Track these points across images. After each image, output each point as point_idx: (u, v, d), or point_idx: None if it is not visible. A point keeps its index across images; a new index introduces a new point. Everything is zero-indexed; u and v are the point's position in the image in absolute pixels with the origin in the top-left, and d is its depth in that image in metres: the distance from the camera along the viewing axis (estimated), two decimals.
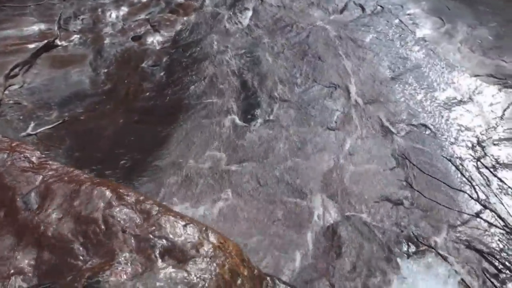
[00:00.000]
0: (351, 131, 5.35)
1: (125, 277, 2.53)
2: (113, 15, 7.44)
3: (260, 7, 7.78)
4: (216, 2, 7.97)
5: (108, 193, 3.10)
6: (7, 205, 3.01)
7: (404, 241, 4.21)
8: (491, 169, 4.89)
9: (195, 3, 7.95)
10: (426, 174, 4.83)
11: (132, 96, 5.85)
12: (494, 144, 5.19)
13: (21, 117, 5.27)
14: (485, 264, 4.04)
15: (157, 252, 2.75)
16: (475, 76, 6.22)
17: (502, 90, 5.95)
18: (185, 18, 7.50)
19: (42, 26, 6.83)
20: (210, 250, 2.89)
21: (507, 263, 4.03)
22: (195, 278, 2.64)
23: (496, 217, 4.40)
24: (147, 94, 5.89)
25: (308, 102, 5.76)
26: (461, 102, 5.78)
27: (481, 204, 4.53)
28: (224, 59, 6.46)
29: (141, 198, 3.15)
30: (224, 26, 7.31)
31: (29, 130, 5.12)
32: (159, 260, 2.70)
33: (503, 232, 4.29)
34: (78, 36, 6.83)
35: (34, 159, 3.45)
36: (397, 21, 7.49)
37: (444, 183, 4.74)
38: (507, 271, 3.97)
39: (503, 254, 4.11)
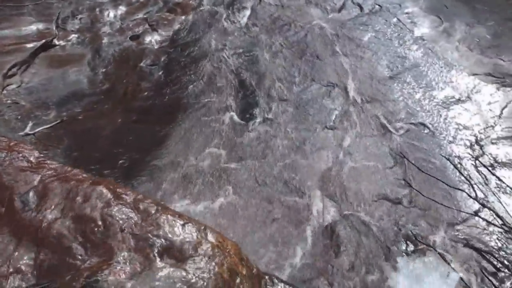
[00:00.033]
0: (349, 130, 5.35)
1: (123, 276, 2.53)
2: (111, 14, 7.43)
3: (258, 6, 7.78)
4: (214, 1, 7.96)
5: (106, 192, 3.10)
6: (5, 204, 3.01)
7: (403, 239, 4.21)
8: (489, 168, 4.90)
9: (193, 2, 7.93)
10: (425, 173, 4.84)
11: (131, 96, 5.84)
12: (492, 143, 5.19)
13: (19, 117, 5.26)
14: (484, 263, 4.05)
15: (156, 251, 2.76)
16: (473, 75, 6.22)
17: (500, 89, 5.96)
18: (183, 17, 7.49)
19: (40, 26, 6.81)
20: (209, 249, 2.89)
21: (505, 261, 4.04)
22: (193, 277, 2.64)
23: (494, 215, 4.41)
24: (146, 93, 5.88)
25: (306, 101, 5.75)
26: (459, 101, 5.79)
27: (480, 203, 4.54)
28: (222, 58, 6.46)
29: (140, 197, 3.15)
30: (222, 25, 7.30)
31: (27, 130, 5.10)
32: (158, 259, 2.71)
33: (501, 230, 4.29)
34: (76, 35, 6.82)
35: (32, 158, 3.45)
36: (395, 20, 7.49)
37: (442, 181, 4.75)
38: (506, 270, 3.97)
39: (502, 253, 4.11)
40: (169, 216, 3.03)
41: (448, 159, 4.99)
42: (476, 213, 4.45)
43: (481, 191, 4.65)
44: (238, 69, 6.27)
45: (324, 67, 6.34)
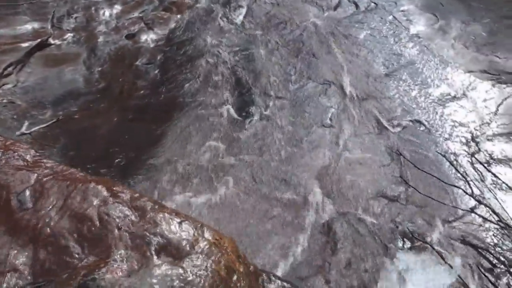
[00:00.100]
0: (345, 128, 5.36)
1: (120, 274, 2.53)
2: (107, 13, 7.42)
3: (254, 4, 7.77)
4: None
5: (103, 190, 3.10)
6: (2, 203, 3.00)
7: (399, 237, 4.22)
8: (485, 165, 4.91)
9: (189, 0, 7.93)
10: (421, 170, 4.85)
11: (127, 95, 5.84)
12: (488, 140, 5.21)
13: (15, 116, 5.25)
14: (480, 259, 4.05)
15: (153, 249, 2.75)
16: (469, 72, 6.24)
17: (495, 86, 5.98)
18: (178, 16, 7.48)
19: (35, 25, 6.80)
20: (206, 247, 2.89)
21: (501, 257, 4.05)
22: (190, 274, 2.64)
23: (491, 212, 4.42)
24: (142, 92, 5.88)
25: (302, 99, 5.76)
26: (455, 98, 5.81)
27: (476, 200, 4.55)
28: (218, 57, 6.46)
29: (136, 195, 3.15)
30: (218, 24, 7.29)
31: (23, 129, 5.09)
32: (155, 257, 2.70)
33: (498, 227, 4.31)
34: (72, 34, 6.81)
35: (28, 157, 3.44)
36: (391, 17, 7.50)
37: (438, 178, 4.76)
38: (502, 266, 3.98)
39: (498, 249, 4.13)
40: (166, 214, 3.02)
41: (444, 156, 5.00)
42: (472, 210, 4.46)
43: (477, 187, 4.66)
44: (234, 67, 6.27)
45: (320, 65, 6.35)
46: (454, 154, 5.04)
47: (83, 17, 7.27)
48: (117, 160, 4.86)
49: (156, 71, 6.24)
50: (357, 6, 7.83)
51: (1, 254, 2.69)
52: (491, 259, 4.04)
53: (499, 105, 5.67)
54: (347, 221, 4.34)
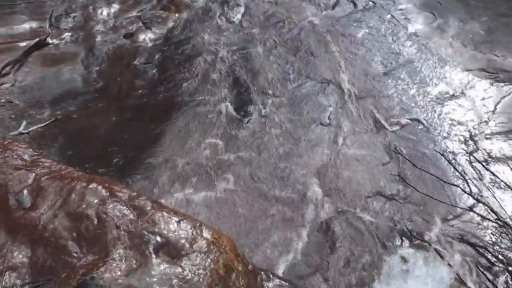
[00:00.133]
0: (344, 127, 5.36)
1: (119, 273, 2.52)
2: (105, 12, 7.41)
3: (252, 3, 7.77)
4: None
5: (101, 189, 3.10)
6: (0, 203, 3.00)
7: (398, 235, 4.22)
8: (484, 163, 4.91)
9: None
10: (419, 169, 4.85)
11: (125, 94, 5.84)
12: (487, 138, 5.21)
13: (12, 116, 5.25)
14: (479, 257, 4.06)
15: (151, 248, 2.75)
16: (467, 70, 6.24)
17: (493, 84, 5.97)
18: (177, 15, 7.47)
19: (33, 24, 6.80)
20: (204, 246, 2.89)
21: (500, 256, 4.05)
22: (189, 273, 2.64)
23: (489, 210, 4.42)
24: (140, 91, 5.87)
25: (301, 98, 5.76)
26: (453, 96, 5.81)
27: (474, 198, 4.55)
28: (217, 56, 6.46)
29: (134, 194, 3.15)
30: (216, 23, 7.29)
31: (21, 129, 5.09)
32: (154, 256, 2.70)
33: (496, 225, 4.31)
34: (70, 34, 6.80)
35: (26, 157, 3.44)
36: (389, 16, 7.50)
37: (437, 177, 4.76)
38: (500, 264, 3.99)
39: (496, 247, 4.13)
40: (164, 213, 3.02)
41: (442, 155, 5.00)
42: (470, 208, 4.47)
43: (476, 186, 4.66)
44: (232, 66, 6.27)
45: (319, 64, 6.35)
46: (453, 152, 5.04)
47: (81, 16, 7.26)
48: (115, 160, 4.86)
49: (154, 71, 6.24)
50: (355, 5, 7.83)
51: None
52: (490, 257, 4.04)
53: (497, 104, 5.67)
54: (345, 219, 4.34)
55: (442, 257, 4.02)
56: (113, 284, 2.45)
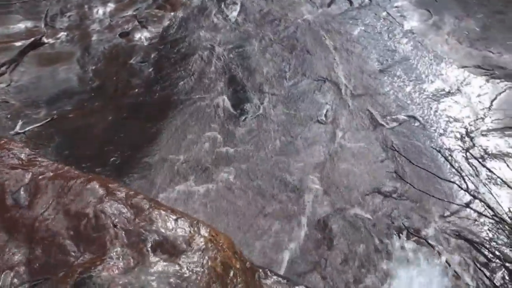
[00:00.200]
0: (340, 124, 5.37)
1: (117, 271, 2.52)
2: (100, 11, 7.39)
3: (248, 1, 7.76)
4: None
5: (98, 188, 3.09)
6: None
7: (395, 232, 4.24)
8: (480, 160, 4.92)
9: None
10: (416, 166, 4.86)
11: (121, 93, 5.83)
12: (483, 135, 5.22)
13: (8, 116, 5.24)
14: (475, 253, 4.07)
15: (149, 246, 2.75)
16: (463, 67, 6.25)
17: (489, 81, 5.99)
18: (172, 14, 7.46)
19: (29, 24, 6.78)
20: (202, 244, 2.89)
21: (496, 252, 4.07)
22: (187, 271, 2.64)
23: (486, 206, 4.44)
24: (136, 90, 5.86)
25: (297, 96, 5.76)
26: (449, 93, 5.82)
27: (471, 194, 4.57)
28: (213, 54, 6.45)
29: (132, 193, 3.14)
30: (212, 21, 7.28)
31: (17, 129, 5.08)
32: (151, 254, 2.70)
33: (493, 221, 4.32)
34: (65, 33, 6.78)
35: (23, 156, 3.43)
36: (384, 13, 7.50)
37: (433, 174, 4.78)
38: (497, 260, 4.00)
39: (493, 243, 4.15)
40: (161, 211, 3.02)
41: (439, 152, 5.02)
42: (467, 205, 4.48)
43: (472, 182, 4.68)
44: (228, 65, 6.26)
45: (315, 61, 6.35)
46: (449, 149, 5.05)
47: (77, 15, 7.24)
48: (112, 159, 4.86)
49: (151, 69, 6.23)
50: (351, 2, 7.82)
51: None
52: (486, 253, 4.06)
53: (493, 100, 5.69)
54: (342, 217, 4.35)
55: (439, 253, 4.03)
56: (110, 283, 2.45)
